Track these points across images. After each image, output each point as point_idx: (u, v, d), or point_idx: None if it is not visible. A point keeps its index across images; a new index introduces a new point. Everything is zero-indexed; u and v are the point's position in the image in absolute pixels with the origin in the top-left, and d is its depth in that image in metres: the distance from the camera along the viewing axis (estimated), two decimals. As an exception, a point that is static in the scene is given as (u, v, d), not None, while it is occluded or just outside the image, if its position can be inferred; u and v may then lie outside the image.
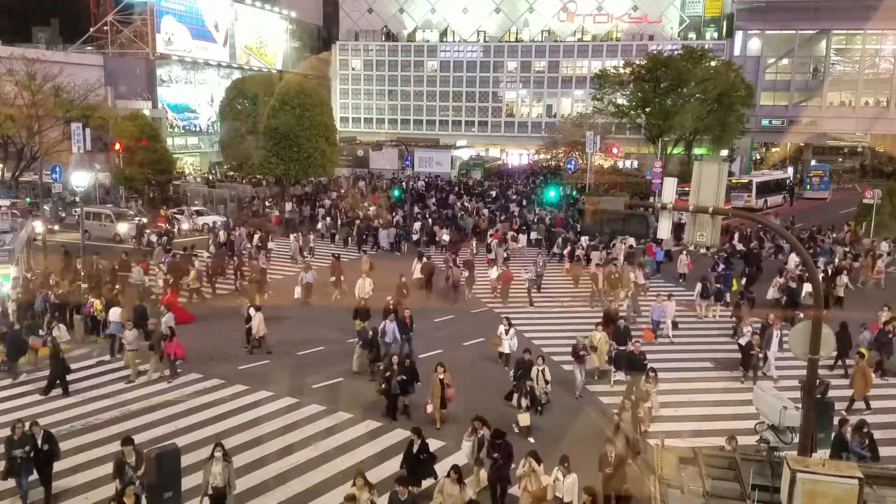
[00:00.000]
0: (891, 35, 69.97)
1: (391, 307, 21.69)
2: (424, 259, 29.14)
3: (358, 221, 39.76)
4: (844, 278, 27.96)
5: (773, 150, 75.98)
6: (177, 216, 42.54)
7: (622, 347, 19.56)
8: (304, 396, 18.33)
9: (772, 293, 26.77)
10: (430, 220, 40.78)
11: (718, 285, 26.31)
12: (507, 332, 20.43)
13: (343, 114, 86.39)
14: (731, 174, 46.64)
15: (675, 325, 23.81)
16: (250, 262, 30.64)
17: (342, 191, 55.48)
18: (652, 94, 55.66)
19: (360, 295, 23.85)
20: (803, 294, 25.57)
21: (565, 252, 33.67)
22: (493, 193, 53.98)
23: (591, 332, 20.10)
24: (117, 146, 48.26)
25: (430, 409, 16.45)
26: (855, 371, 18.14)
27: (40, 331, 21.75)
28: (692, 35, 76.03)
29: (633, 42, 77.46)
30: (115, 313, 21.54)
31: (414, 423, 15.45)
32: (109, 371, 20.21)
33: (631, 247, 34.59)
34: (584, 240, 35.59)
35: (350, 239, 38.59)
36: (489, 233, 37.22)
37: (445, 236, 36.52)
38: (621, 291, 27.26)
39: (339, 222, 41.16)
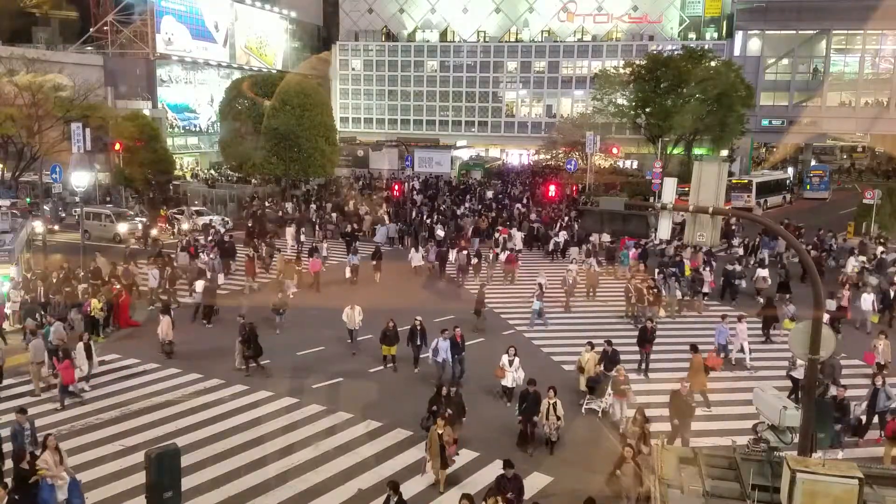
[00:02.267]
0: (891, 35, 69.91)
1: (419, 326, 20.20)
2: (427, 249, 32.63)
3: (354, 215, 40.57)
4: None
5: (773, 149, 75.92)
6: (176, 216, 42.55)
7: (609, 374, 17.81)
8: (304, 396, 18.33)
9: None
10: (431, 219, 41.44)
11: (674, 270, 28.73)
12: (510, 362, 17.88)
13: (343, 114, 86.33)
14: (731, 174, 46.63)
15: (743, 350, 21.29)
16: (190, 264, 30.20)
17: (345, 190, 55.63)
18: (652, 94, 55.68)
19: (349, 326, 21.78)
20: (756, 277, 28.07)
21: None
22: (490, 193, 54.20)
23: (582, 351, 18.65)
24: (117, 146, 48.25)
25: (428, 468, 14.21)
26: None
27: (38, 314, 21.90)
28: (692, 35, 75.99)
29: (633, 42, 77.41)
30: (199, 286, 25.08)
31: (464, 462, 14.77)
32: (110, 371, 20.21)
33: (612, 242, 35.04)
34: (563, 234, 36.77)
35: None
36: (497, 229, 38.32)
37: (440, 232, 37.54)
38: (660, 307, 25.52)
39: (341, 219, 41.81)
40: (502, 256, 32.32)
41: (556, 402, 15.37)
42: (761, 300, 26.30)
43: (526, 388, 16.05)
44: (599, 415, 17.14)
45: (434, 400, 15.55)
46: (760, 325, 23.47)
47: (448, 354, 18.82)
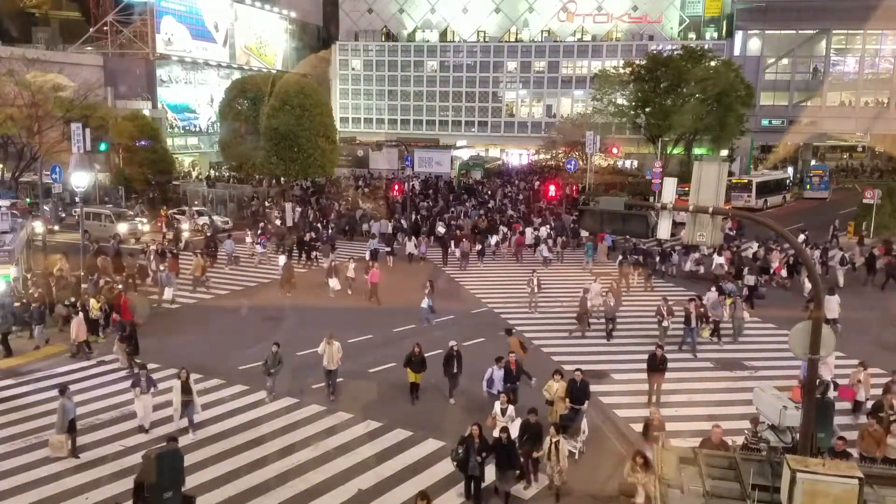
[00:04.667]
0: (891, 35, 69.97)
1: (455, 352, 18.11)
2: (419, 241, 35.77)
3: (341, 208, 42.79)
4: None
5: (769, 152, 75.95)
6: (176, 216, 42.39)
7: (577, 407, 15.72)
8: (304, 396, 18.31)
9: (690, 266, 31.93)
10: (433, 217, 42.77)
11: (637, 257, 31.91)
12: (503, 411, 15.01)
13: (343, 114, 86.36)
14: (731, 174, 46.70)
15: (834, 386, 17.68)
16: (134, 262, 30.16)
17: (342, 190, 55.81)
18: (652, 94, 55.70)
19: (326, 366, 18.39)
20: (714, 265, 30.25)
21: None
22: (488, 193, 54.69)
23: (550, 381, 16.13)
24: (103, 146, 47.39)
25: None
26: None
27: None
28: (692, 35, 76.01)
29: (632, 42, 77.46)
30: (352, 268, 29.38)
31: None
32: (109, 371, 20.23)
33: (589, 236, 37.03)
34: (545, 230, 38.03)
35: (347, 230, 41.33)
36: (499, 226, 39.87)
37: (441, 228, 38.80)
38: (706, 329, 23.03)
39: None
40: (493, 239, 36.29)
41: (558, 441, 13.38)
42: (732, 287, 27.24)
43: (527, 419, 14.16)
44: (576, 457, 14.95)
45: (465, 439, 13.32)
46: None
47: (502, 385, 16.74)
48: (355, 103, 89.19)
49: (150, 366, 20.36)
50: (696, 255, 31.97)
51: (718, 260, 30.16)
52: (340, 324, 24.02)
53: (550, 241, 35.53)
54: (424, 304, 24.69)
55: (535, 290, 26.81)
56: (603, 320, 23.99)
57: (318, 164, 50.08)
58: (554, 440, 13.33)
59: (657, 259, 32.57)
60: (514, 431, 14.31)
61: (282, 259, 30.95)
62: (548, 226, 39.22)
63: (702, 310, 22.72)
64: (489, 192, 54.88)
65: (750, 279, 27.67)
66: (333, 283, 28.11)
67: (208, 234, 35.91)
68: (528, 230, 38.03)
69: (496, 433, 13.95)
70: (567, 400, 15.69)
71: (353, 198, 50.34)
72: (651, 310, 24.47)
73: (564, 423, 14.91)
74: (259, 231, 37.80)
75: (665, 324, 22.48)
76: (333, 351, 18.28)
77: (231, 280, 30.97)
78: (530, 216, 43.56)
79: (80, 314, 21.43)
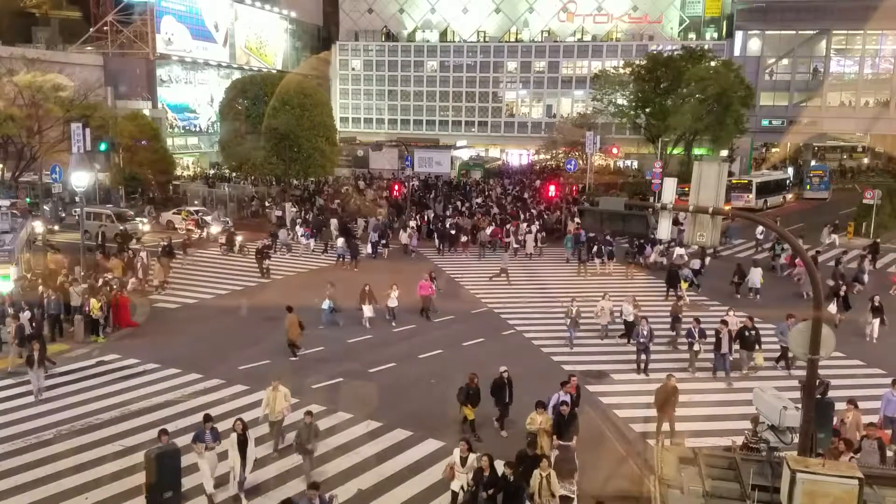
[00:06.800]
0: (891, 35, 69.98)
1: (506, 378, 16.18)
2: (410, 235, 37.41)
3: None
4: None
5: (773, 149, 75.97)
6: (205, 218, 41.28)
7: (566, 443, 14.02)
8: (304, 396, 18.27)
9: (654, 257, 33.74)
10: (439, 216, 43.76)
11: (611, 248, 33.56)
12: (463, 460, 12.87)
13: (343, 114, 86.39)
14: (731, 174, 46.72)
15: None
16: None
17: (342, 189, 55.86)
18: (652, 94, 55.71)
19: (271, 418, 15.44)
20: (675, 255, 31.62)
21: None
22: (487, 192, 54.96)
23: (533, 413, 14.43)
24: (103, 146, 47.12)
25: None
26: None
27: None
28: (692, 35, 76.04)
29: (632, 42, 77.48)
30: (340, 241, 34.26)
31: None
32: (109, 371, 20.22)
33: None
34: (530, 226, 38.85)
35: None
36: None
37: (448, 221, 40.85)
38: (759, 355, 20.20)
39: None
40: (487, 230, 38.09)
41: (549, 475, 12.40)
42: (688, 272, 29.17)
43: (524, 450, 13.19)
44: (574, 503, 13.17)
45: (479, 473, 12.45)
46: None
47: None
48: (355, 103, 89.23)
49: (151, 365, 20.50)
50: (660, 246, 33.87)
51: (679, 251, 32.07)
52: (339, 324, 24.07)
53: (530, 237, 36.39)
54: (325, 305, 23.93)
55: (576, 319, 22.29)
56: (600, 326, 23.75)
57: (318, 164, 50.17)
58: (544, 474, 12.37)
59: (635, 249, 34.96)
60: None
61: (340, 241, 34.41)
62: (537, 223, 39.77)
63: (752, 332, 19.88)
64: (487, 192, 54.97)
65: (695, 263, 30.31)
66: (367, 310, 24.12)
67: (164, 243, 33.06)
68: (523, 226, 38.53)
69: (454, 486, 12.88)
70: (554, 437, 14.16)
71: (348, 196, 50.94)
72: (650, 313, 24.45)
73: (557, 464, 13.37)
74: (302, 223, 39.97)
75: (696, 347, 20.16)
76: (280, 397, 15.31)
77: (232, 280, 30.97)
78: (518, 214, 43.78)
79: (27, 313, 21.15)
